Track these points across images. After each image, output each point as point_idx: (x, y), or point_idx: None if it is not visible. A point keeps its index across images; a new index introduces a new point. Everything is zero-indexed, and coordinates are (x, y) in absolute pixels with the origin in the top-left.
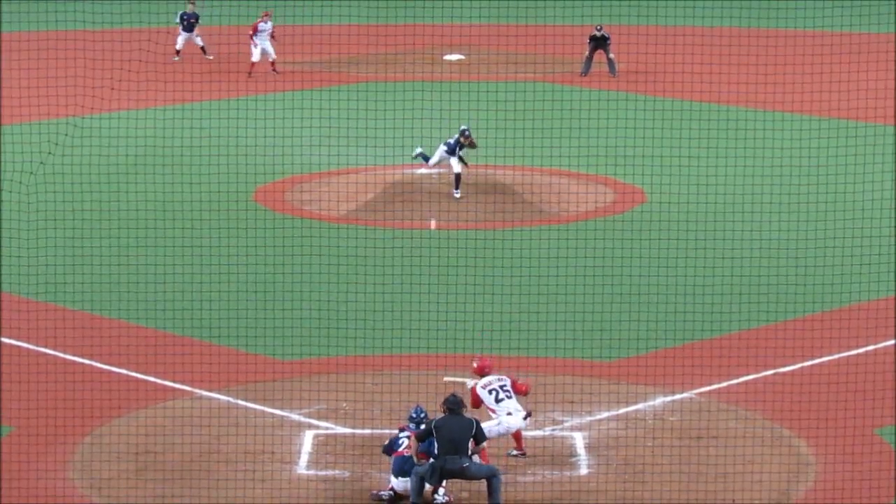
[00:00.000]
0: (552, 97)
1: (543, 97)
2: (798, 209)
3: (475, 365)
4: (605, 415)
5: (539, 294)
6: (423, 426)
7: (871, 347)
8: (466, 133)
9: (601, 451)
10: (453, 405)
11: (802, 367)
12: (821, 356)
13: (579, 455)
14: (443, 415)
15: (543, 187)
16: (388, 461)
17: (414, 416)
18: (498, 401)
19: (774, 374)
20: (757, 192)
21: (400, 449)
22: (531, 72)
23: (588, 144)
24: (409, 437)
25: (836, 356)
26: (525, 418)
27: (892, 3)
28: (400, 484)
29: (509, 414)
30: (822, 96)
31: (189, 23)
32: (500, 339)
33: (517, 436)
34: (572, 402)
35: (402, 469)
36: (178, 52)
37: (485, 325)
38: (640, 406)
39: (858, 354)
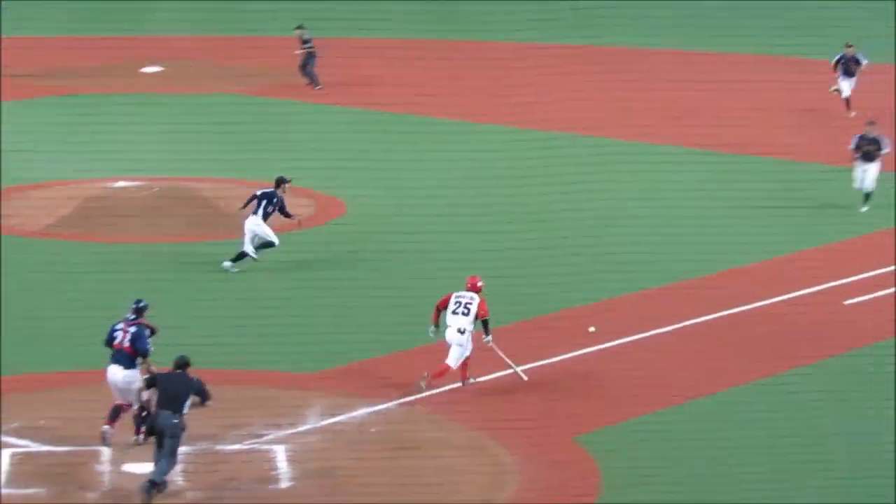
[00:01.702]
0: (255, 110)
1: (245, 109)
2: (498, 220)
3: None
4: (306, 427)
5: (243, 307)
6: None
7: (567, 355)
8: (287, 178)
9: (302, 463)
10: (179, 362)
11: (505, 376)
12: (520, 364)
13: (280, 468)
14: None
15: (242, 200)
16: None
17: (133, 305)
18: (452, 313)
19: (475, 383)
20: (457, 202)
21: (115, 342)
22: (235, 84)
23: (291, 157)
24: (122, 331)
25: (535, 364)
26: (461, 332)
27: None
28: (120, 378)
29: (448, 327)
30: (517, 108)
31: None
32: (202, 352)
33: (442, 369)
34: (276, 415)
35: (117, 359)
36: None
37: (187, 338)
38: (342, 417)
39: (555, 362)
